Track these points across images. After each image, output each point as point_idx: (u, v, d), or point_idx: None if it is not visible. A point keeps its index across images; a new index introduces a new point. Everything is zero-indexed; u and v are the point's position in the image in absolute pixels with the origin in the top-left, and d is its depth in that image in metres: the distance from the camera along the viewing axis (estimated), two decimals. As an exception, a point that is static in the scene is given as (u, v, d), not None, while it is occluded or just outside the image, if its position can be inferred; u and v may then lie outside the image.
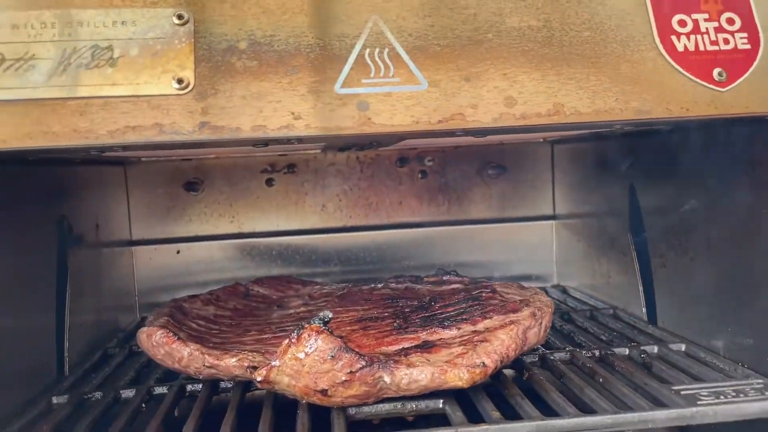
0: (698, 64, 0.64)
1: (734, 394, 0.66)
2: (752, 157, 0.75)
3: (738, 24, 0.66)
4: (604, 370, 0.76)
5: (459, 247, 1.36)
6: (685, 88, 0.63)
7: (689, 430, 0.79)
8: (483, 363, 0.67)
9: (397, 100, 0.60)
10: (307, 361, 0.65)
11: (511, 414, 0.66)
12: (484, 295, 0.84)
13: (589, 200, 1.24)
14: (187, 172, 1.29)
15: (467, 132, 0.62)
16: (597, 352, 0.83)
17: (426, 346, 0.72)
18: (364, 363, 0.65)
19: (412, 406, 0.69)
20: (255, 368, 0.70)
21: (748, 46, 0.66)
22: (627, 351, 0.83)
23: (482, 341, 0.70)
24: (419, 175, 1.34)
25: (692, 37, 0.65)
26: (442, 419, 0.67)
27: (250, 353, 0.73)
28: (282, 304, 0.99)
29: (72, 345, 0.92)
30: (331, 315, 0.67)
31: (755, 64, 0.65)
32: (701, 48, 0.65)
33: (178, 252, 1.30)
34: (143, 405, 0.76)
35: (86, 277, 1.01)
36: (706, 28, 0.66)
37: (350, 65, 0.60)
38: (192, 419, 0.68)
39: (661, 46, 0.64)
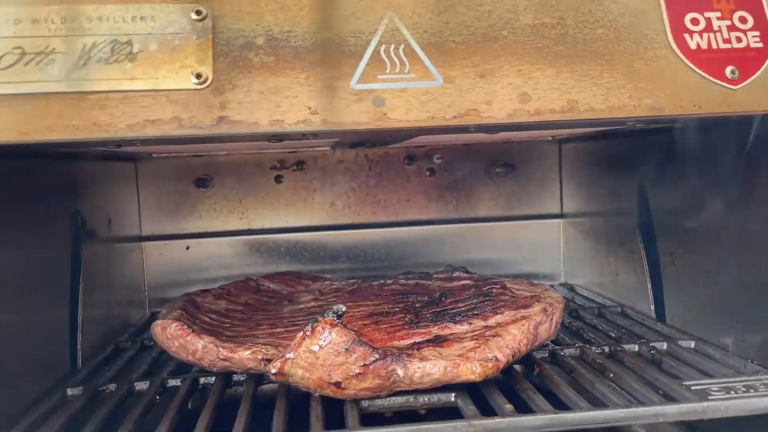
0: (711, 62, 0.65)
1: (744, 389, 0.66)
2: (763, 156, 0.76)
3: (750, 23, 0.67)
4: (614, 365, 0.77)
5: (467, 244, 1.36)
6: (698, 86, 0.64)
7: (692, 426, 0.80)
8: (495, 357, 0.68)
9: (413, 95, 0.61)
10: (321, 354, 0.65)
11: (523, 408, 0.66)
12: (494, 291, 0.85)
13: (597, 198, 1.24)
14: (198, 169, 1.30)
15: (481, 128, 0.63)
16: (607, 349, 0.83)
17: (438, 341, 0.72)
18: (377, 356, 0.66)
19: (424, 399, 0.70)
20: (269, 361, 0.71)
21: (761, 45, 0.66)
22: (636, 347, 0.83)
23: (494, 336, 0.70)
24: (427, 173, 1.35)
25: (705, 35, 0.66)
26: (455, 412, 0.67)
27: (263, 346, 0.73)
28: (292, 299, 1.00)
29: (84, 339, 0.93)
30: (344, 308, 0.68)
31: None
32: (714, 46, 0.66)
33: (187, 248, 1.31)
34: (157, 397, 0.77)
35: (98, 271, 1.02)
36: (719, 27, 0.67)
37: (366, 61, 0.61)
38: (207, 411, 0.68)
39: (674, 44, 0.65)
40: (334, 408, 0.69)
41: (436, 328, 0.76)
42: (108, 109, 0.58)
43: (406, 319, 0.81)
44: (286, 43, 0.61)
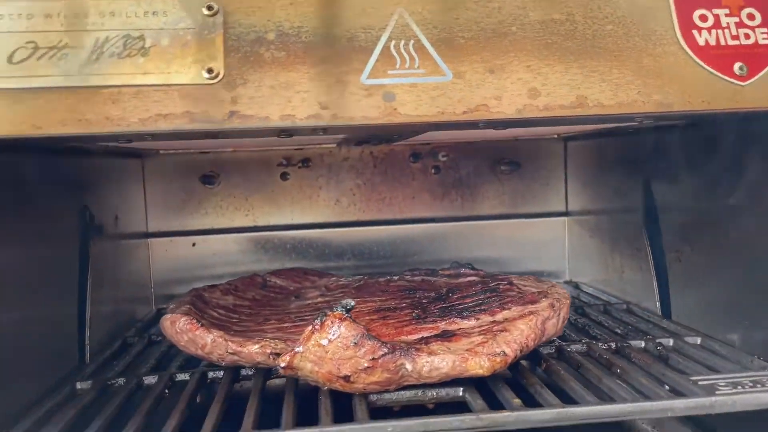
0: (719, 59, 0.65)
1: (751, 384, 0.67)
2: (770, 152, 0.76)
3: (759, 19, 0.67)
4: (621, 361, 0.77)
5: (472, 242, 1.36)
6: (707, 82, 0.64)
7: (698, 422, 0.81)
8: (503, 352, 0.68)
9: (423, 91, 0.61)
10: (330, 348, 0.66)
11: (531, 402, 0.67)
12: (501, 287, 0.85)
13: (602, 196, 1.24)
14: (204, 166, 1.30)
15: (490, 123, 0.63)
16: (613, 345, 0.83)
17: (446, 336, 0.73)
18: (386, 350, 0.66)
19: (432, 393, 0.70)
20: (277, 355, 0.72)
21: (769, 41, 0.66)
22: (643, 343, 0.84)
23: (502, 331, 0.71)
24: (432, 171, 1.35)
25: (713, 31, 0.66)
26: (463, 407, 0.68)
27: (272, 340, 0.74)
28: (299, 294, 1.00)
29: (92, 334, 0.93)
30: (353, 303, 0.68)
31: (776, 58, 0.66)
32: (722, 42, 0.66)
33: (193, 244, 1.32)
34: (166, 391, 0.77)
35: (105, 267, 1.02)
36: (727, 23, 0.67)
37: (376, 57, 0.61)
38: (216, 404, 0.69)
39: (682, 41, 0.65)
40: (343, 402, 0.69)
41: (443, 323, 0.77)
42: (120, 104, 0.59)
43: (414, 314, 0.81)
44: (296, 38, 0.61)
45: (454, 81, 0.61)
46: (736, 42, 0.66)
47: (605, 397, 0.67)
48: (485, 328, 0.73)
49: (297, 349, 0.67)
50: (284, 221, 1.34)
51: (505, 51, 0.62)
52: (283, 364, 0.68)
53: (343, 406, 0.69)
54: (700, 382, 0.68)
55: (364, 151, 1.34)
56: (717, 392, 0.65)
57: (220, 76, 0.60)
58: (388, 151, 1.34)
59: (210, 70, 0.60)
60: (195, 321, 0.76)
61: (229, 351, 0.74)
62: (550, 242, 1.37)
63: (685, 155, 0.95)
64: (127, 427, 0.65)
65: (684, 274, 0.96)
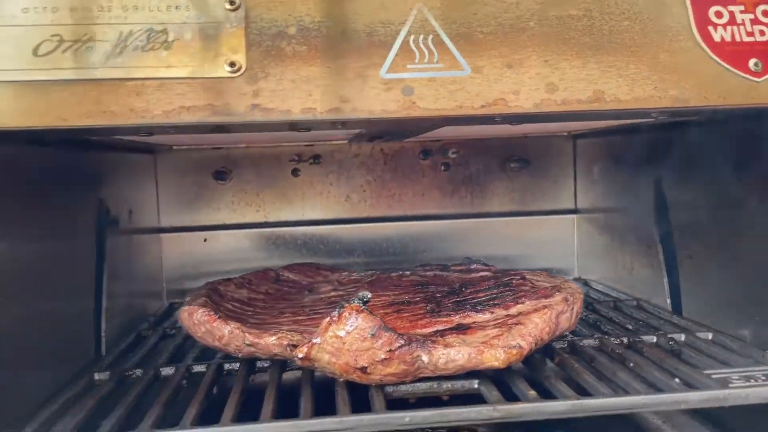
0: (735, 55, 0.66)
1: (764, 378, 0.67)
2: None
3: (773, 16, 0.67)
4: (634, 355, 0.77)
5: (481, 239, 1.37)
6: (722, 78, 0.65)
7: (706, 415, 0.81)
8: (519, 344, 0.69)
9: (441, 85, 0.62)
10: (347, 339, 0.67)
11: (545, 395, 0.67)
12: (514, 281, 0.86)
13: (611, 194, 1.25)
14: (216, 161, 1.31)
15: (508, 117, 0.64)
16: (625, 340, 0.84)
17: (461, 329, 0.73)
18: (403, 342, 0.67)
19: (448, 385, 0.71)
20: (294, 346, 0.72)
21: (784, 38, 0.67)
22: (654, 339, 0.84)
23: (517, 324, 0.71)
24: (442, 168, 1.36)
25: (728, 28, 0.67)
26: (477, 399, 0.68)
27: (288, 332, 0.74)
28: (312, 289, 1.01)
29: (107, 327, 0.94)
30: (370, 295, 0.69)
31: (791, 55, 0.66)
32: (737, 39, 0.66)
33: (205, 240, 1.33)
34: (184, 382, 0.78)
35: (119, 261, 1.03)
36: (742, 20, 0.67)
37: (395, 51, 0.62)
38: (234, 394, 0.70)
39: (698, 37, 0.65)
40: (359, 394, 0.70)
41: (457, 316, 0.77)
42: (144, 96, 0.59)
43: (428, 308, 0.82)
44: (317, 32, 0.62)
45: (473, 75, 0.62)
46: (751, 38, 0.66)
47: (619, 390, 0.68)
48: (500, 321, 0.74)
49: (314, 341, 0.68)
50: (295, 217, 1.34)
51: (523, 46, 0.62)
52: (300, 355, 0.69)
53: (360, 398, 0.70)
54: (713, 376, 0.68)
55: (374, 148, 1.34)
56: (730, 385, 0.66)
57: (242, 70, 0.61)
58: (399, 148, 1.35)
59: (232, 64, 0.61)
60: (213, 312, 0.76)
61: (246, 342, 0.75)
62: (559, 240, 1.38)
63: (696, 153, 0.96)
64: (147, 417, 0.66)
65: (695, 270, 0.97)
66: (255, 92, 0.61)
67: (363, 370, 0.67)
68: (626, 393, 0.66)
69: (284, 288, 1.01)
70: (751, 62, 0.66)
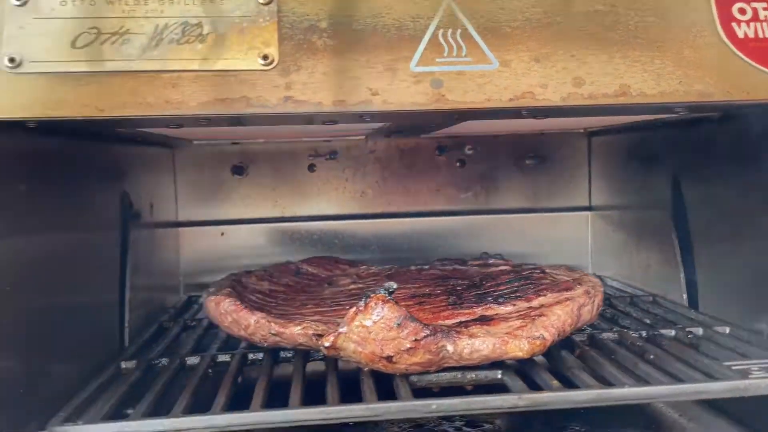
0: (758, 51, 0.67)
1: (785, 369, 0.68)
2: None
3: (796, 13, 0.68)
4: (654, 348, 0.78)
5: (495, 235, 1.38)
6: (746, 73, 0.65)
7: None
8: (542, 335, 0.70)
9: (470, 78, 0.63)
10: (373, 329, 0.68)
11: (568, 386, 0.68)
12: (534, 275, 0.87)
13: (626, 191, 1.26)
14: (233, 157, 1.33)
15: (535, 110, 0.65)
16: (644, 333, 0.85)
17: (484, 320, 0.74)
18: (428, 332, 0.68)
19: (472, 376, 0.72)
20: (320, 336, 0.74)
21: (806, 34, 0.68)
22: (673, 332, 0.85)
23: (540, 315, 0.73)
24: (457, 164, 1.37)
25: (752, 24, 0.68)
26: (501, 389, 0.69)
27: (313, 322, 0.76)
28: (332, 282, 1.02)
29: (130, 318, 0.96)
30: (395, 285, 0.70)
31: (813, 51, 0.67)
32: (760, 35, 0.67)
33: (222, 234, 1.34)
34: (209, 371, 0.79)
35: (141, 254, 1.04)
36: (765, 16, 0.68)
37: (424, 45, 0.63)
38: (262, 381, 0.71)
39: (722, 33, 0.66)
40: (384, 384, 0.71)
41: (480, 308, 0.78)
42: (180, 88, 0.61)
43: (449, 300, 0.83)
44: (347, 27, 0.63)
45: (501, 69, 0.63)
46: (775, 35, 0.67)
47: (641, 381, 0.69)
48: (522, 313, 0.75)
49: (341, 330, 0.69)
50: (311, 212, 1.36)
51: (550, 40, 0.64)
52: (327, 344, 0.70)
53: (384, 388, 0.71)
54: (733, 367, 0.69)
55: (390, 144, 1.35)
56: (750, 376, 0.67)
57: (275, 63, 0.62)
58: (414, 144, 1.36)
59: (265, 57, 0.62)
60: (239, 302, 0.78)
61: (271, 332, 0.76)
62: (573, 237, 1.39)
63: (712, 149, 0.97)
64: (177, 403, 0.67)
65: (712, 264, 0.98)
66: (287, 84, 0.62)
67: (388, 359, 0.68)
68: (648, 383, 0.67)
69: (304, 281, 1.03)
70: (775, 58, 0.67)
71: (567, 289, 0.79)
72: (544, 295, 0.78)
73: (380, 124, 0.90)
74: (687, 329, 0.86)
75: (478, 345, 0.68)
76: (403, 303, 0.83)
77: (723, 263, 0.95)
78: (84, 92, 0.60)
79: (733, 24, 0.67)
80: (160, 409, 0.68)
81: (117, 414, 0.68)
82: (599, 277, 1.30)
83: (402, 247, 1.37)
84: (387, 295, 0.69)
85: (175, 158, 1.31)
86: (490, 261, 1.03)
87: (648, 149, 1.16)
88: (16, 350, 0.64)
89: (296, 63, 0.62)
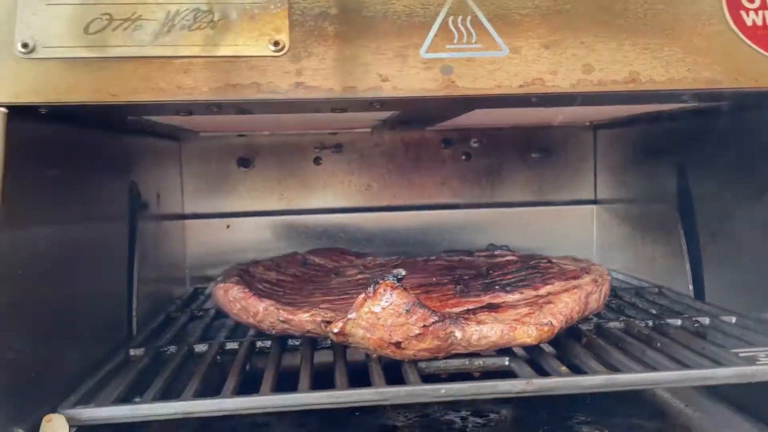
0: (766, 39, 0.67)
1: (791, 357, 0.69)
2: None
3: (804, 1, 0.69)
4: (660, 336, 0.79)
5: (501, 229, 1.38)
6: (754, 61, 0.66)
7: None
8: (550, 322, 0.70)
9: (480, 65, 0.63)
10: (382, 315, 0.68)
11: (577, 372, 0.68)
12: (542, 264, 0.87)
13: (632, 184, 1.26)
14: (239, 149, 1.33)
15: (545, 97, 0.65)
16: (650, 322, 0.85)
17: (491, 308, 0.75)
18: (437, 318, 0.68)
19: (479, 362, 0.73)
20: (328, 322, 0.74)
21: (814, 23, 0.68)
22: (680, 321, 0.85)
23: (547, 303, 0.73)
24: (463, 157, 1.37)
25: (760, 12, 0.68)
26: (509, 375, 0.70)
27: (322, 309, 0.76)
28: (338, 272, 1.03)
29: (138, 308, 0.96)
30: (404, 272, 0.71)
31: (821, 39, 0.67)
32: (768, 23, 0.68)
33: (228, 226, 1.34)
34: (218, 357, 0.80)
35: (148, 245, 1.05)
36: (773, 5, 0.69)
37: (434, 31, 0.64)
38: (270, 368, 0.71)
39: (730, 20, 0.67)
40: (392, 372, 0.71)
41: (487, 297, 0.79)
42: (192, 74, 0.61)
43: (457, 289, 0.83)
44: (357, 14, 0.64)
45: (511, 56, 0.63)
46: (783, 23, 0.68)
47: (648, 368, 0.69)
48: (530, 301, 0.75)
49: (350, 316, 0.69)
50: (316, 205, 1.36)
51: (559, 27, 0.64)
52: (335, 330, 0.70)
53: (393, 375, 0.71)
54: (740, 354, 0.70)
55: (395, 137, 1.36)
56: (758, 362, 0.67)
57: (286, 49, 0.62)
58: (420, 138, 1.36)
59: (276, 43, 0.62)
60: (248, 289, 0.78)
61: (280, 319, 0.76)
62: (579, 230, 1.39)
63: (719, 140, 0.97)
64: (188, 388, 0.67)
65: (717, 256, 0.98)
66: (298, 71, 0.62)
67: (397, 345, 0.69)
68: (655, 369, 0.68)
69: (311, 271, 1.03)
70: (783, 46, 0.67)
71: (574, 278, 0.79)
72: (552, 284, 0.79)
73: (389, 113, 0.90)
74: (693, 319, 0.86)
75: (487, 331, 0.69)
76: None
77: (729, 252, 0.95)
78: (96, 77, 0.61)
79: (742, 12, 0.67)
80: (169, 395, 0.68)
81: (127, 398, 0.68)
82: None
83: (407, 241, 1.38)
84: (395, 281, 0.69)
85: (181, 150, 1.31)
86: (497, 252, 1.03)
87: (654, 142, 1.17)
88: (27, 336, 0.64)
89: (307, 49, 0.63)
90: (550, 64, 0.63)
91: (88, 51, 0.61)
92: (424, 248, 1.36)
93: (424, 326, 0.68)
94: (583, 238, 1.39)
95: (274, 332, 0.79)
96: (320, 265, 1.07)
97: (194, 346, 0.83)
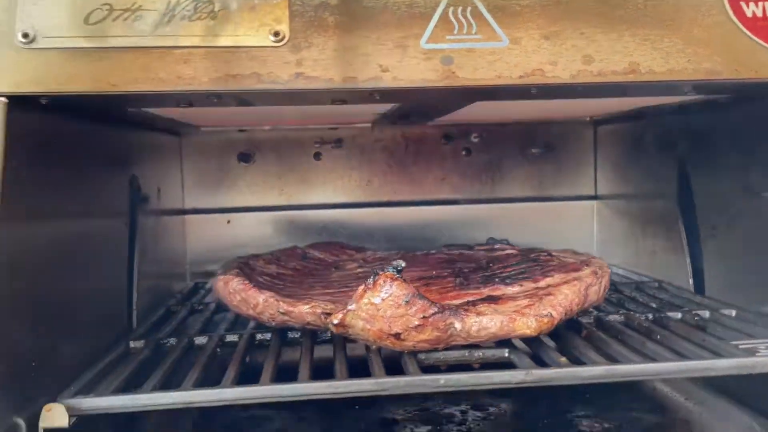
0: (766, 30, 0.67)
1: (791, 348, 0.69)
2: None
3: (804, -7, 0.68)
4: (660, 329, 0.79)
5: (501, 224, 1.38)
6: (754, 52, 0.66)
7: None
8: (550, 314, 0.70)
9: (480, 55, 0.63)
10: (382, 306, 0.68)
11: (577, 364, 0.69)
12: (542, 257, 0.87)
13: (632, 179, 1.26)
14: (239, 144, 1.33)
15: (545, 88, 0.65)
16: (650, 315, 0.85)
17: (491, 300, 0.75)
18: (436, 309, 0.68)
19: (479, 354, 0.73)
20: (328, 314, 0.74)
21: (814, 14, 0.68)
22: (680, 315, 0.85)
23: (547, 294, 0.73)
24: (464, 153, 1.37)
25: (760, 3, 0.68)
26: (509, 366, 0.70)
27: (322, 301, 0.76)
28: (338, 266, 1.03)
29: (138, 301, 0.96)
30: (404, 264, 0.71)
31: (822, 31, 0.67)
32: (768, 15, 0.68)
33: (228, 222, 1.34)
34: (218, 350, 0.80)
35: (148, 240, 1.05)
36: (774, -4, 0.68)
37: (435, 22, 0.64)
38: (270, 359, 0.71)
39: (731, 12, 0.67)
40: (392, 365, 0.71)
41: (487, 289, 0.79)
42: (192, 64, 0.61)
43: (456, 281, 0.83)
44: (357, 4, 0.64)
45: (511, 47, 0.63)
46: (783, 14, 0.67)
47: (648, 359, 0.69)
48: (530, 293, 0.75)
49: (350, 307, 0.69)
50: (317, 200, 1.36)
51: (559, 18, 0.64)
52: (335, 321, 0.70)
53: (393, 368, 0.71)
54: (740, 346, 0.70)
55: (396, 132, 1.36)
56: (758, 354, 0.67)
57: (286, 39, 0.62)
58: (420, 133, 1.36)
59: (276, 34, 0.62)
60: (248, 281, 0.78)
61: (280, 311, 0.76)
62: (579, 226, 1.39)
63: (720, 135, 0.97)
64: (187, 378, 0.68)
65: (717, 250, 0.98)
66: (298, 61, 0.62)
67: (397, 336, 0.69)
68: (655, 360, 0.68)
69: (311, 265, 1.03)
70: (783, 37, 0.67)
71: (574, 270, 0.79)
72: (551, 276, 0.79)
73: (389, 106, 0.90)
74: (693, 312, 0.86)
75: (486, 322, 0.69)
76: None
77: (729, 247, 0.95)
78: (97, 67, 0.61)
79: (742, 3, 0.67)
80: (169, 386, 0.68)
81: (127, 389, 0.68)
82: (605, 265, 1.31)
83: (407, 236, 1.37)
84: (395, 273, 0.70)
85: (182, 145, 1.31)
86: (497, 246, 1.03)
87: (654, 137, 1.17)
88: (26, 327, 0.64)
89: (307, 40, 0.63)
90: (550, 54, 0.63)
91: (88, 41, 0.61)
92: (424, 244, 1.36)
93: (424, 317, 0.68)
94: (583, 233, 1.39)
95: (274, 324, 0.79)
96: (320, 259, 1.07)
97: (194, 339, 0.83)
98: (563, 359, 0.68)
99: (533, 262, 0.85)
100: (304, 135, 1.35)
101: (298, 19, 0.63)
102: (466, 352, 0.73)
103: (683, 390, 0.93)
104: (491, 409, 0.95)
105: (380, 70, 0.63)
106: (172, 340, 0.83)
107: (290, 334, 0.83)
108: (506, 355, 0.72)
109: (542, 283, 0.78)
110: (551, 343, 0.76)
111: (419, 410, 0.95)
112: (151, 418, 0.86)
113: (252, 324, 0.86)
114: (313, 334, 0.81)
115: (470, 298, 0.77)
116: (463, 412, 0.94)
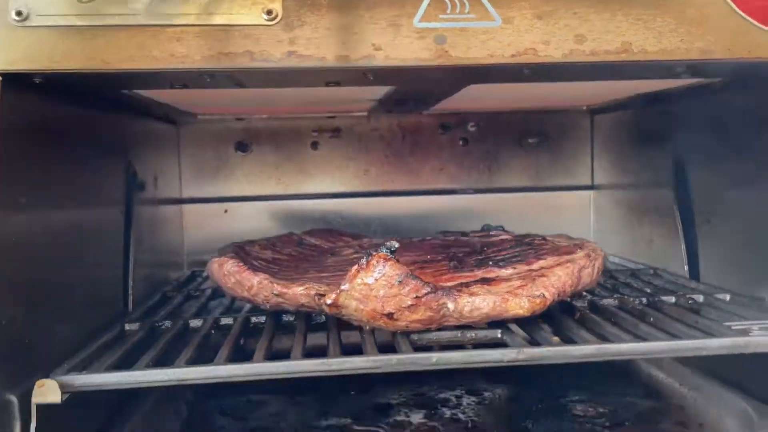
0: (760, 10, 0.67)
1: (785, 329, 0.69)
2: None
3: (799, -27, 0.68)
4: (654, 312, 0.79)
5: (498, 213, 1.37)
6: (747, 32, 0.66)
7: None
8: (542, 294, 0.70)
9: (473, 35, 0.63)
10: (375, 286, 0.68)
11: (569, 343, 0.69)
12: (536, 241, 0.87)
13: (629, 168, 1.26)
14: (237, 133, 1.33)
15: (537, 68, 0.65)
16: (644, 299, 0.85)
17: (485, 281, 0.75)
18: (429, 289, 0.68)
19: (472, 334, 0.73)
20: (322, 296, 0.74)
21: (808, -5, 0.68)
22: (674, 299, 0.86)
23: (540, 276, 0.73)
24: (460, 142, 1.37)
25: (754, -16, 0.68)
26: (502, 346, 0.70)
27: (316, 283, 0.76)
28: (334, 252, 1.03)
29: (134, 286, 0.96)
30: (397, 244, 0.71)
31: (815, 11, 0.67)
32: (762, -5, 0.68)
33: (225, 211, 1.35)
34: (212, 331, 0.80)
35: (144, 228, 1.05)
36: (767, -23, 0.68)
37: (428, 1, 0.64)
38: (264, 339, 0.72)
39: (724, -9, 0.67)
40: (384, 345, 0.71)
41: (481, 271, 0.79)
42: (185, 42, 0.61)
43: (451, 265, 0.84)
44: (352, -18, 0.64)
45: (503, 26, 0.64)
46: (777, -6, 0.67)
47: (640, 339, 0.70)
48: (523, 274, 0.75)
49: (343, 287, 0.70)
50: (314, 190, 1.36)
51: (552, -2, 0.64)
52: (329, 301, 0.70)
53: (384, 349, 0.71)
54: (733, 327, 0.70)
55: (393, 122, 1.36)
56: (751, 334, 0.67)
57: (279, 18, 0.62)
58: (417, 122, 1.36)
59: (269, 12, 0.62)
60: (242, 263, 0.78)
61: (274, 292, 0.77)
62: (576, 215, 1.39)
63: (714, 120, 0.97)
64: (181, 356, 0.68)
65: (712, 237, 0.98)
66: (291, 39, 0.62)
67: (389, 316, 0.69)
68: (647, 340, 0.68)
69: (307, 251, 1.03)
70: (776, 18, 0.67)
71: (567, 253, 0.79)
72: (545, 259, 0.79)
73: (384, 89, 0.90)
74: (688, 296, 0.86)
75: (479, 303, 0.69)
76: (405, 268, 0.84)
77: (724, 233, 0.96)
78: (90, 45, 0.61)
79: (735, -17, 0.67)
80: (163, 364, 0.68)
81: (120, 367, 0.68)
82: (601, 254, 1.31)
83: (404, 226, 1.38)
84: (389, 253, 0.70)
85: (179, 134, 1.31)
86: (492, 232, 1.03)
87: (650, 126, 1.17)
88: (19, 308, 0.64)
89: (300, 18, 0.63)
90: (543, 34, 0.63)
91: (81, 19, 0.61)
92: (421, 233, 1.36)
93: (417, 297, 0.68)
94: (580, 223, 1.39)
95: (268, 306, 0.79)
96: (316, 246, 1.07)
97: (189, 321, 0.83)
98: (556, 338, 0.68)
99: (527, 246, 0.86)
100: (302, 124, 1.35)
101: (292, -3, 0.63)
102: (458, 333, 0.73)
103: (677, 375, 0.93)
104: (486, 394, 0.95)
105: (373, 48, 0.63)
106: (167, 323, 0.83)
107: (285, 317, 0.83)
108: (499, 336, 0.72)
109: (535, 266, 0.78)
110: (545, 325, 0.76)
111: (414, 394, 0.96)
112: (146, 403, 0.87)
113: (247, 307, 0.86)
114: (307, 317, 0.81)
115: (464, 280, 0.77)
116: (457, 397, 0.95)
